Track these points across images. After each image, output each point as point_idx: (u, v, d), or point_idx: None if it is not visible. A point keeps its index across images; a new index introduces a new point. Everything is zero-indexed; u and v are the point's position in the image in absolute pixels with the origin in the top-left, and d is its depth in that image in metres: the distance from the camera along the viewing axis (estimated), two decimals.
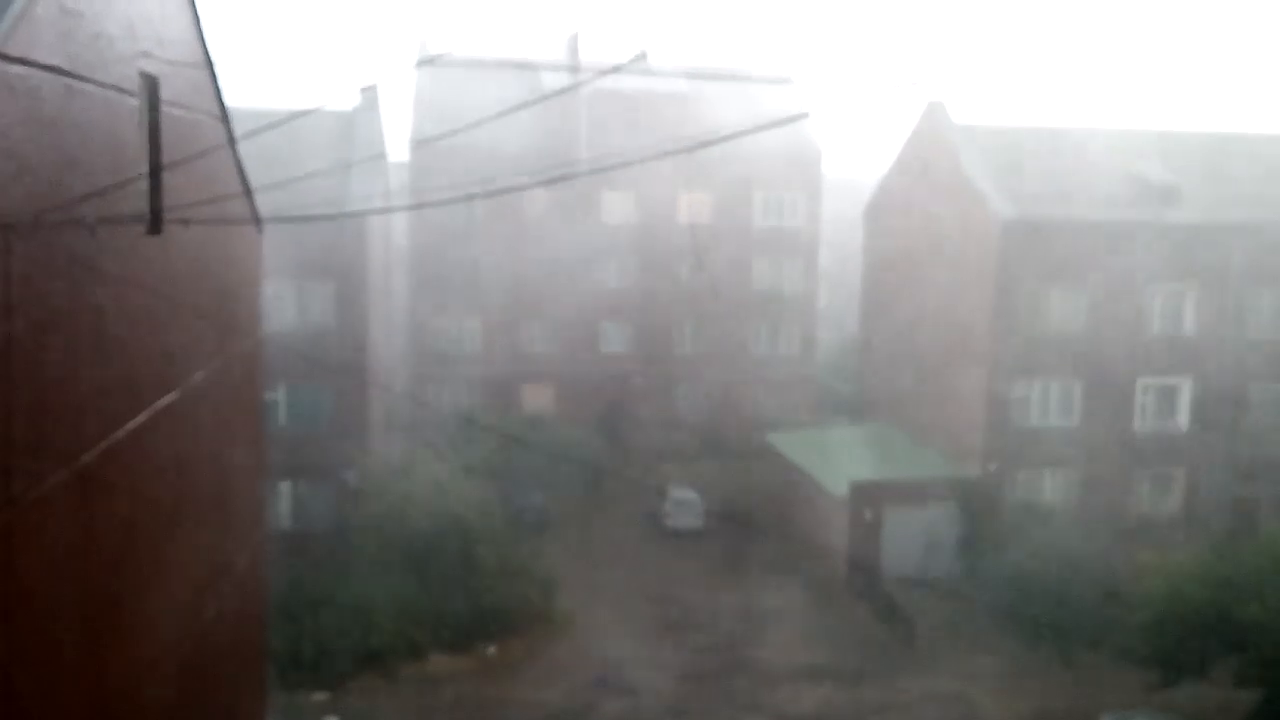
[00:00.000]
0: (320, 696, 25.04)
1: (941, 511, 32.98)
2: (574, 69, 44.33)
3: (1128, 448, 33.74)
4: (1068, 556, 28.95)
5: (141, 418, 10.59)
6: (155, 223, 11.00)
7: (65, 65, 8.72)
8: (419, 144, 42.18)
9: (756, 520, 36.71)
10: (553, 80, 41.76)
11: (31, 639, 8.18)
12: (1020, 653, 28.07)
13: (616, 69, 8.86)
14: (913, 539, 32.54)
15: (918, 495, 33.40)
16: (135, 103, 10.53)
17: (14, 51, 7.82)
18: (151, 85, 10.98)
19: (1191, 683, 23.88)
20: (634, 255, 46.29)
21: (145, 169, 10.79)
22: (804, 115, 9.09)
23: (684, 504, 37.23)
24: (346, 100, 37.27)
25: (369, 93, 36.53)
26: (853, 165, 61.92)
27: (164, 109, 11.23)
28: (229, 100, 14.21)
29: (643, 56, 9.36)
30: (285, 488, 30.24)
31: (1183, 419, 34.13)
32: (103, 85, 9.57)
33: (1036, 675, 27.22)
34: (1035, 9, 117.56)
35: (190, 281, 12.42)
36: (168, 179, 11.19)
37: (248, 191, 15.13)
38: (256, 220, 15.80)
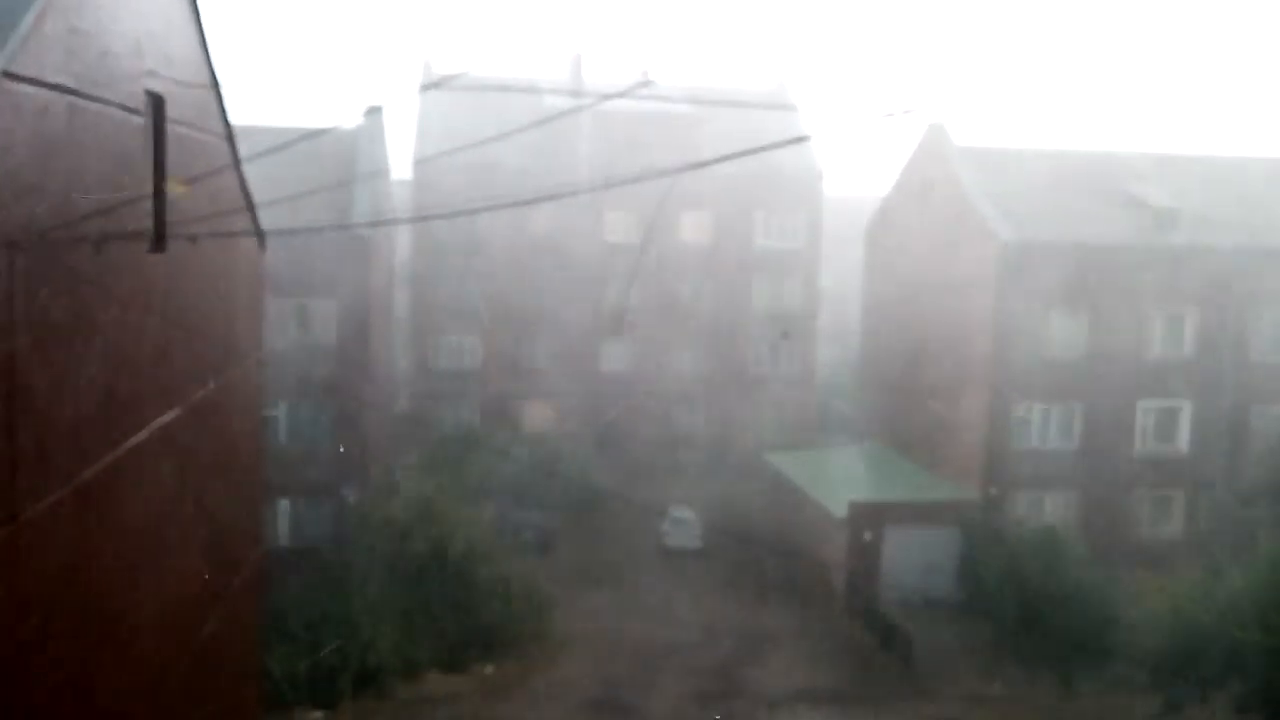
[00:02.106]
0: (316, 715, 24.94)
1: (941, 533, 32.86)
2: (577, 91, 44.52)
3: (1128, 470, 33.70)
4: (1068, 580, 28.86)
5: (142, 435, 10.61)
6: (159, 240, 11.05)
7: (72, 84, 8.77)
8: (422, 163, 42.32)
9: (755, 540, 36.60)
10: (556, 102, 41.90)
11: (30, 653, 8.17)
12: (1020, 677, 27.94)
13: (620, 94, 8.93)
14: (912, 560, 32.41)
15: (917, 516, 33.29)
16: (141, 121, 10.58)
17: (22, 71, 7.86)
18: (157, 104, 11.03)
19: (1194, 709, 23.75)
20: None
21: (150, 187, 10.84)
22: (805, 138, 9.17)
23: (682, 523, 37.23)
24: (351, 120, 37.35)
25: (373, 113, 36.59)
26: (853, 185, 62.06)
27: (169, 127, 11.28)
28: (234, 119, 14.28)
29: (647, 82, 9.43)
30: (284, 505, 30.17)
31: (1183, 441, 34.11)
32: (109, 104, 9.62)
33: (1037, 700, 27.08)
34: (1036, 32, 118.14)
35: (193, 299, 12.45)
36: (172, 197, 11.24)
37: (251, 210, 15.17)
38: (260, 238, 15.85)
